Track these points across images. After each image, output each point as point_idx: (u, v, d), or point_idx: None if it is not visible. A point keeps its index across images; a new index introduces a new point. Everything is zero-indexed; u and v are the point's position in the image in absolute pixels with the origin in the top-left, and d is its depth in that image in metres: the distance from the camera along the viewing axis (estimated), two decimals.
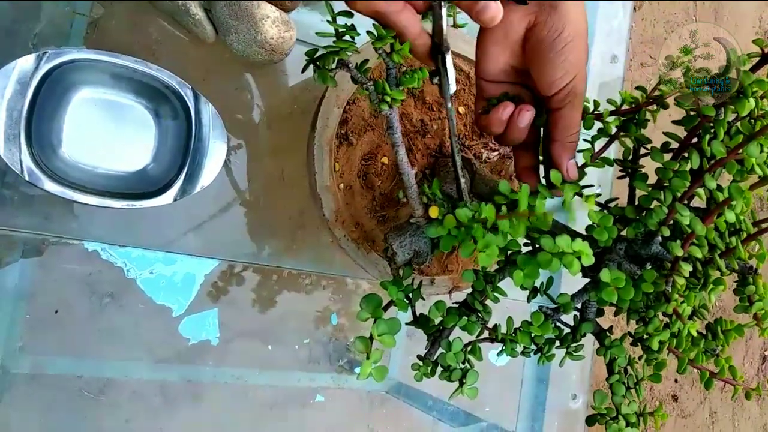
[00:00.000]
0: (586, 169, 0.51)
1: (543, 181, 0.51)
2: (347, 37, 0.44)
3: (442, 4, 0.42)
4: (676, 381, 2.20)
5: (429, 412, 0.85)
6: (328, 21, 0.42)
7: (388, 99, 0.43)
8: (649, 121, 0.50)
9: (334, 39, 0.42)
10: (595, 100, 0.53)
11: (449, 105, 0.48)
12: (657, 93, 0.48)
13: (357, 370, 0.79)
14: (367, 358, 0.44)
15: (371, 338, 0.45)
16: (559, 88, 0.46)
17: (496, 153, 0.63)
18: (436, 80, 0.47)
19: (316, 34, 0.44)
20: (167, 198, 0.58)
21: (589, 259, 0.40)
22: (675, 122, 0.47)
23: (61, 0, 0.60)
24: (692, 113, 0.45)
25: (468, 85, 0.66)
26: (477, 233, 0.47)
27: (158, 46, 0.64)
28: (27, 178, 0.53)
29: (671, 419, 2.13)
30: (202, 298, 0.65)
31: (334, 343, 0.77)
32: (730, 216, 0.42)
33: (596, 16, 0.92)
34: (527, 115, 0.47)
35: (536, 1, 0.44)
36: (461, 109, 0.65)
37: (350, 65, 0.44)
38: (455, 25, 0.74)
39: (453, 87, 0.47)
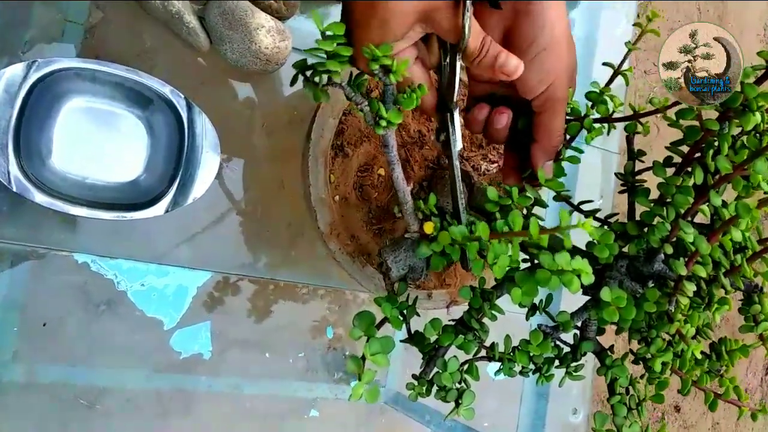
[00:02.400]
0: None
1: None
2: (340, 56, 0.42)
3: (457, 59, 0.42)
4: (678, 391, 2.18)
5: (427, 425, 0.83)
6: (317, 41, 0.40)
7: (384, 123, 0.41)
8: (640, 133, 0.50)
9: (325, 58, 0.40)
10: (587, 105, 0.52)
11: (455, 162, 0.47)
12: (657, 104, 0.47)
13: (354, 383, 0.77)
14: (359, 379, 0.43)
15: (363, 358, 0.44)
16: (536, 94, 0.45)
17: (495, 165, 0.62)
18: (442, 137, 0.47)
19: (305, 51, 0.43)
20: (159, 209, 0.57)
21: (588, 278, 0.38)
22: (673, 143, 0.46)
23: (53, 2, 0.59)
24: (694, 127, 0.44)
25: (464, 95, 0.64)
26: (471, 252, 0.46)
27: (152, 55, 0.63)
28: (14, 189, 0.52)
29: (674, 430, 2.10)
30: (194, 311, 0.64)
31: (332, 353, 0.76)
32: (737, 234, 0.41)
33: (599, 26, 0.90)
34: (501, 118, 0.47)
35: (511, 1, 0.42)
36: None
37: (342, 83, 0.42)
38: None
39: (459, 144, 0.46)
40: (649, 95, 2.02)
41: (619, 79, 0.55)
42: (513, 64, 0.41)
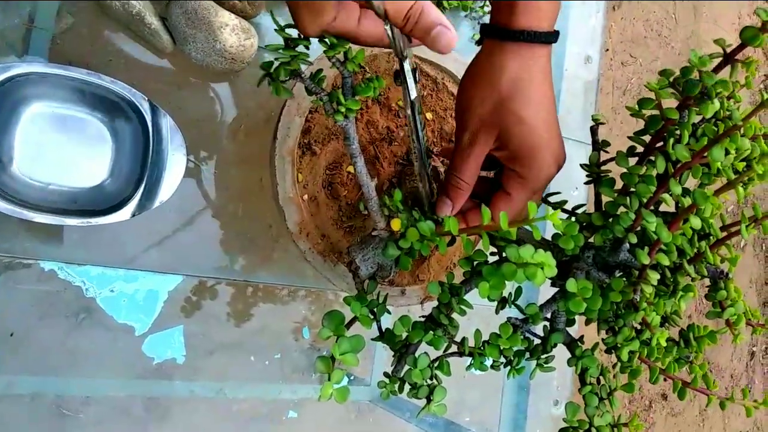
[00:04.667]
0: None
1: None
2: (299, 47, 0.42)
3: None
4: (665, 379, 2.20)
5: (408, 422, 0.83)
6: (275, 30, 0.40)
7: (343, 110, 0.42)
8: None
9: (282, 49, 0.40)
10: None
11: (409, 111, 0.46)
12: None
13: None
14: (329, 379, 0.42)
15: (333, 358, 0.43)
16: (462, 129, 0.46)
17: None
18: (398, 82, 0.46)
19: (266, 47, 0.43)
20: (124, 214, 0.56)
21: (552, 271, 0.38)
22: (636, 132, 0.46)
23: (14, 9, 0.58)
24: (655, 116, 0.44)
25: (435, 90, 0.64)
26: (442, 247, 0.46)
27: (115, 58, 0.62)
28: None
29: (661, 417, 2.12)
30: (166, 316, 0.63)
31: (315, 353, 0.76)
32: (696, 222, 0.41)
33: (568, 18, 0.91)
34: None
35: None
36: (429, 115, 0.63)
37: (303, 76, 0.42)
38: None
39: (413, 93, 0.45)
40: (626, 86, 2.03)
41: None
42: (447, 36, 0.40)
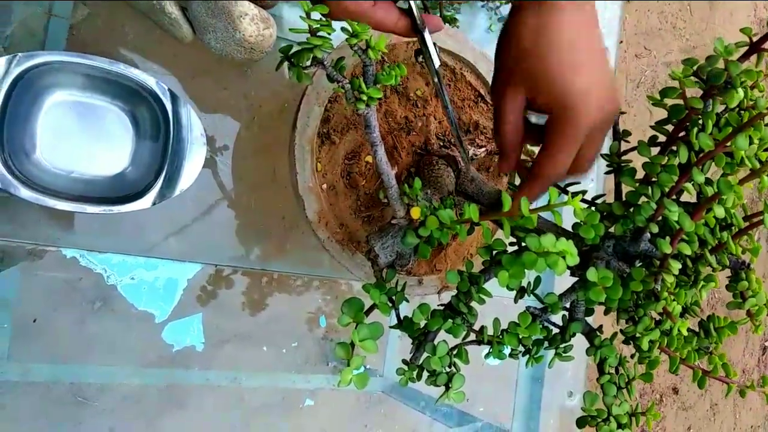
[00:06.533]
0: None
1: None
2: (322, 33, 0.42)
3: None
4: (676, 374, 2.19)
5: (423, 412, 0.84)
6: (301, 17, 0.40)
7: (365, 98, 0.42)
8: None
9: (308, 36, 0.41)
10: None
11: (436, 79, 0.48)
12: None
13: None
14: (348, 365, 0.43)
15: (352, 344, 0.44)
16: (497, 89, 0.45)
17: (483, 149, 0.62)
18: (420, 58, 0.48)
19: (290, 30, 0.43)
20: (145, 202, 0.56)
21: (573, 259, 0.38)
22: (658, 122, 0.46)
23: (35, 1, 0.58)
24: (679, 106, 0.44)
25: (454, 80, 0.64)
26: (462, 235, 0.46)
27: (137, 48, 0.62)
28: None
29: (672, 412, 2.12)
30: (185, 304, 0.64)
31: (329, 344, 0.76)
32: (719, 211, 0.41)
33: None
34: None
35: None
36: None
37: (325, 63, 0.43)
38: (444, 18, 0.73)
39: (437, 61, 0.48)
40: (639, 78, 2.02)
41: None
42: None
